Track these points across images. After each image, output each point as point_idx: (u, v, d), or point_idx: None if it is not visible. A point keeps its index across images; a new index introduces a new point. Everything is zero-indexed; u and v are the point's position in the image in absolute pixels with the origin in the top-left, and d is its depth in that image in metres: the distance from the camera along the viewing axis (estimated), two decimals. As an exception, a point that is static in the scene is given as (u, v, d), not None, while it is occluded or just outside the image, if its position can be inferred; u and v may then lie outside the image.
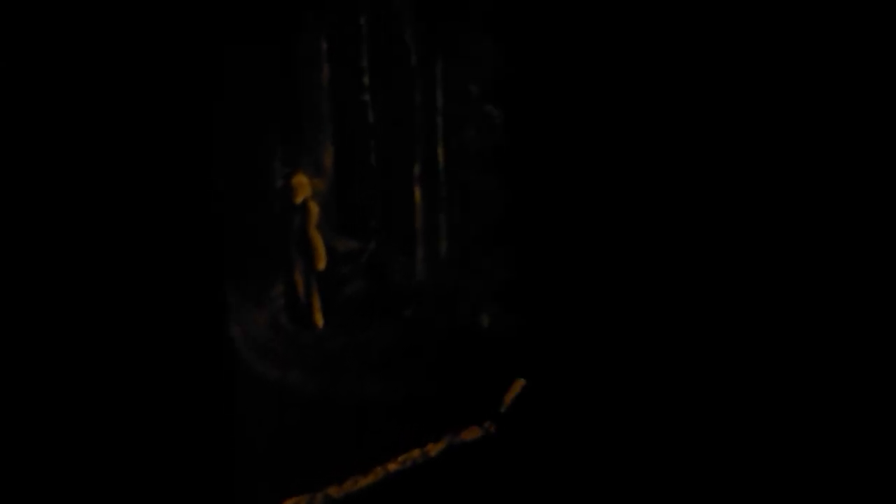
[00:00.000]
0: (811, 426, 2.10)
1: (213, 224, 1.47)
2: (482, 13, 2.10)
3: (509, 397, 2.26)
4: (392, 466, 2.03)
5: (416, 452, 2.07)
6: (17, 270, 1.43)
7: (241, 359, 1.78)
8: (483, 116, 2.14)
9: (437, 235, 2.07)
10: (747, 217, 2.20)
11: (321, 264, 1.88)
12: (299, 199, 1.84)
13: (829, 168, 2.10)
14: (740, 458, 2.15)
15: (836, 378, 2.10)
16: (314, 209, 1.85)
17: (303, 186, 1.83)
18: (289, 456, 1.86)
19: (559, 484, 2.17)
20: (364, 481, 1.98)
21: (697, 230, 2.27)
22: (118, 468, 1.50)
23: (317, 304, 1.87)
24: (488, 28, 2.12)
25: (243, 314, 1.78)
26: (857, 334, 2.08)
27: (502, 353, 2.23)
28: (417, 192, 2.05)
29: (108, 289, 1.48)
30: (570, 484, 2.17)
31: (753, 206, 2.17)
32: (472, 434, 2.18)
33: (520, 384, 2.27)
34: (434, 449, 2.11)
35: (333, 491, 1.92)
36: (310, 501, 1.88)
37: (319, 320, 1.89)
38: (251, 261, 1.80)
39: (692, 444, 2.19)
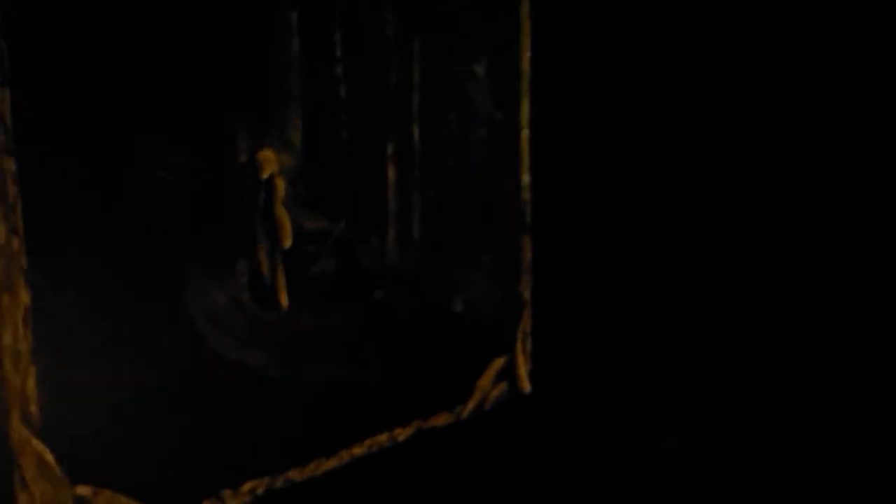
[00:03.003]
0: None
1: None
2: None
3: (484, 382, 2.23)
4: (357, 451, 2.00)
5: (383, 437, 2.04)
6: None
7: (200, 337, 1.74)
8: (464, 96, 2.09)
9: (410, 216, 2.02)
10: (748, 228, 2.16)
11: (287, 242, 1.83)
12: (265, 175, 1.78)
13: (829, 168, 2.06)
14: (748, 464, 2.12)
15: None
16: (280, 185, 1.80)
17: (269, 161, 1.78)
18: (249, 438, 1.82)
19: (529, 473, 2.14)
20: (327, 465, 1.95)
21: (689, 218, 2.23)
22: None
23: (282, 283, 1.82)
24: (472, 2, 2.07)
25: (204, 292, 1.74)
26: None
27: (475, 337, 2.20)
28: (391, 171, 2.00)
29: None
30: (542, 473, 2.14)
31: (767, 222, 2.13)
32: (442, 420, 2.15)
33: (496, 367, 2.23)
34: (402, 434, 2.08)
35: (295, 474, 1.89)
36: (270, 484, 1.85)
37: (284, 300, 1.84)
38: (214, 237, 1.75)
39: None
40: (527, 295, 2.24)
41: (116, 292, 1.62)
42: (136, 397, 1.67)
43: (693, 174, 2.22)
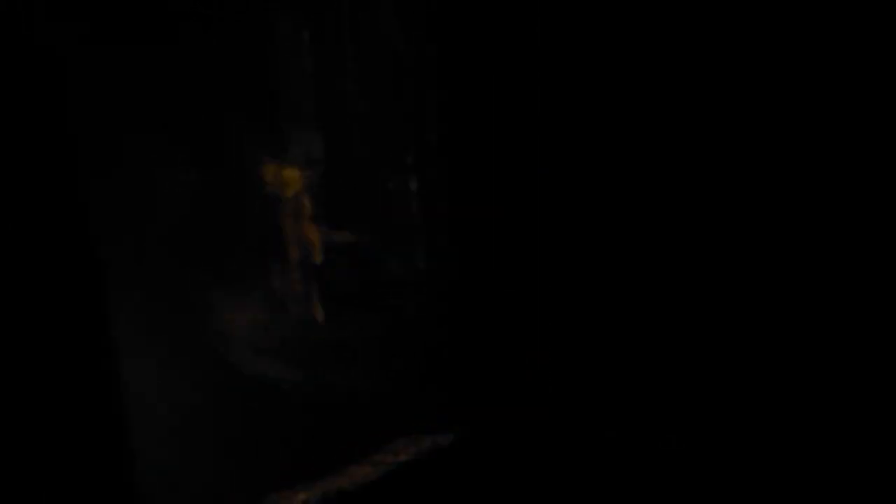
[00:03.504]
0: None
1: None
2: None
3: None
4: (387, 460, 2.01)
5: (409, 447, 2.05)
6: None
7: (230, 354, 1.77)
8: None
9: (434, 226, 2.04)
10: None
11: (317, 257, 1.86)
12: (290, 193, 1.82)
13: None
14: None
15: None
16: (306, 202, 1.84)
17: (293, 180, 1.82)
18: (276, 450, 1.84)
19: (548, 484, 2.14)
20: (356, 475, 1.96)
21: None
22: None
23: (315, 298, 1.85)
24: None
25: (235, 309, 1.77)
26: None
27: (500, 347, 2.21)
28: (412, 182, 2.03)
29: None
30: (554, 476, 2.14)
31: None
32: (466, 429, 2.15)
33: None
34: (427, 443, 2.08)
35: (322, 485, 1.90)
36: (289, 497, 1.86)
37: (319, 314, 1.87)
38: (244, 256, 1.79)
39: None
40: (528, 299, 2.25)
41: (148, 310, 1.66)
42: (168, 415, 1.70)
43: (694, 171, 2.22)
